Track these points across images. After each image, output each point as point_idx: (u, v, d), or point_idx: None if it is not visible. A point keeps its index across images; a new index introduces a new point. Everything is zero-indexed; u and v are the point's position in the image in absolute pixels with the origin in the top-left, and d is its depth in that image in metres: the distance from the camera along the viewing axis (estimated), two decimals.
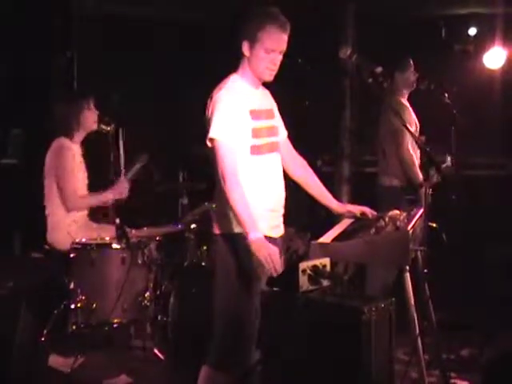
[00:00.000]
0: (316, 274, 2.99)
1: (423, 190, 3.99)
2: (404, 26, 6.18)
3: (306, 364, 2.90)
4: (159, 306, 4.26)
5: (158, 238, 4.33)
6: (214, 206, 3.32)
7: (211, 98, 3.13)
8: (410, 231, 3.21)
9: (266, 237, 3.03)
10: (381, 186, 4.96)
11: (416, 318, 3.29)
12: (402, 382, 3.24)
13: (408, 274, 3.29)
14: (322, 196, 3.47)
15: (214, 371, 3.13)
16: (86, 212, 4.48)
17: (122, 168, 4.45)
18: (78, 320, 4.00)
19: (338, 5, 5.97)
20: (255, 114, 3.15)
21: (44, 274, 4.37)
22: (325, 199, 3.47)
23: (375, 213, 3.49)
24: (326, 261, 3.06)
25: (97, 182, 4.63)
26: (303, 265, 2.97)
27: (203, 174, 3.64)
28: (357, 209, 3.50)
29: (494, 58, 5.74)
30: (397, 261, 3.28)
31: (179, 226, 4.65)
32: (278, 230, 3.27)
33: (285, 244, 3.45)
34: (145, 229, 4.47)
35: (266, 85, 3.29)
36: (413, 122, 4.82)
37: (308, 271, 2.97)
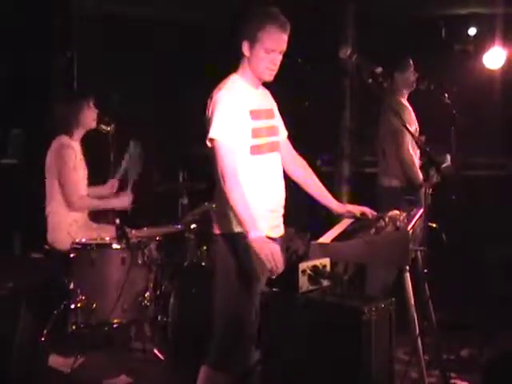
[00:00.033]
0: (316, 274, 2.99)
1: (423, 190, 3.99)
2: (404, 25, 6.18)
3: (306, 364, 2.89)
4: (159, 306, 4.26)
5: (157, 238, 4.33)
6: (213, 206, 3.32)
7: (211, 98, 3.13)
8: (410, 231, 3.21)
9: (265, 237, 3.04)
10: (380, 186, 4.96)
11: (416, 318, 3.29)
12: (402, 382, 3.23)
13: (408, 274, 3.29)
14: (321, 196, 3.47)
15: (213, 371, 3.13)
16: (86, 212, 4.48)
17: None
18: (78, 320, 4.00)
19: (338, 5, 5.97)
20: (255, 114, 3.15)
21: (44, 273, 4.37)
22: (325, 199, 3.48)
23: (375, 213, 3.49)
24: (326, 261, 3.05)
25: (97, 182, 4.64)
26: (303, 265, 2.97)
27: (203, 174, 3.64)
28: (357, 209, 3.50)
29: (493, 58, 5.74)
30: (397, 261, 3.28)
31: (179, 226, 4.65)
32: (278, 230, 3.27)
33: (285, 244, 3.44)
34: (145, 229, 4.47)
35: (265, 85, 3.29)
36: (413, 122, 4.82)
37: (308, 271, 2.97)
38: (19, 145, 5.96)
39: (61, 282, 4.09)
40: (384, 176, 4.94)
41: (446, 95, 4.57)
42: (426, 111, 4.87)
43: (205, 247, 4.58)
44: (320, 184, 3.48)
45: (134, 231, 4.34)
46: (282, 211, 3.30)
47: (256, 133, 3.14)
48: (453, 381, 3.85)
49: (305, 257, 3.32)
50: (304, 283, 2.95)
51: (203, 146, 3.12)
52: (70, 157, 4.30)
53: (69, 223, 4.32)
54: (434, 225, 3.68)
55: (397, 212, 3.43)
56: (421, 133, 4.87)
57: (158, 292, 4.26)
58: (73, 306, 3.99)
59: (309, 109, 5.84)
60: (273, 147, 3.25)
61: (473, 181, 5.65)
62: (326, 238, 3.29)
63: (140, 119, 6.01)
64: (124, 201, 4.44)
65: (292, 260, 3.75)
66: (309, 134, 5.51)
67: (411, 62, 4.92)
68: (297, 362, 2.91)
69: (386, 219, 3.37)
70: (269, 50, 3.09)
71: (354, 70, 5.59)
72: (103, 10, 6.22)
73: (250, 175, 3.12)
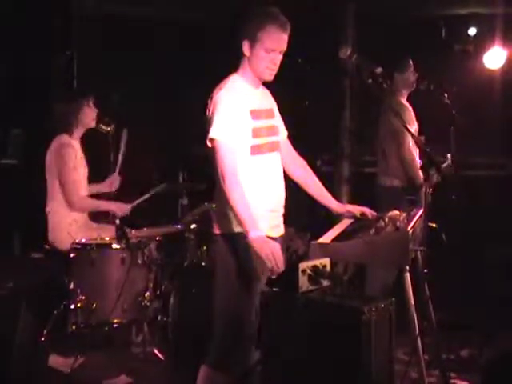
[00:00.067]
0: (316, 274, 2.99)
1: (423, 189, 3.99)
2: (404, 25, 6.18)
3: (306, 364, 2.89)
4: (159, 306, 4.25)
5: (157, 238, 4.33)
6: (213, 206, 3.33)
7: (211, 98, 3.13)
8: (410, 231, 3.21)
9: (266, 236, 3.04)
10: (380, 186, 4.95)
11: (416, 318, 3.29)
12: (402, 382, 3.24)
13: (408, 274, 3.29)
14: (321, 196, 3.48)
15: (213, 371, 3.14)
16: (86, 212, 4.48)
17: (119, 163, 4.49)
18: (78, 320, 4.00)
19: (338, 5, 5.97)
20: (255, 114, 3.15)
21: (44, 273, 4.37)
22: (324, 199, 3.48)
23: (375, 213, 3.49)
24: (326, 261, 3.06)
25: (96, 182, 4.64)
26: (303, 265, 2.97)
27: (203, 174, 3.64)
28: (356, 209, 3.50)
29: (493, 58, 5.74)
30: (397, 261, 3.28)
31: (179, 226, 4.65)
32: (278, 230, 3.27)
33: (285, 244, 3.44)
34: (145, 229, 4.47)
35: (266, 85, 3.30)
36: (413, 122, 4.82)
37: (308, 271, 2.97)
38: (19, 145, 5.96)
39: (61, 282, 4.09)
40: (384, 176, 4.94)
41: (446, 95, 4.57)
42: (426, 111, 4.87)
43: (205, 247, 4.58)
44: (320, 184, 3.48)
45: (133, 231, 4.34)
46: (282, 211, 3.30)
47: (256, 133, 3.14)
48: (453, 381, 3.85)
49: (305, 257, 3.32)
50: (304, 283, 2.95)
51: (203, 146, 3.12)
52: (70, 156, 4.30)
53: (69, 223, 4.32)
54: (434, 225, 3.67)
55: (397, 212, 3.43)
56: (421, 133, 4.87)
57: (158, 292, 4.26)
58: (73, 306, 3.99)
59: (309, 109, 5.84)
60: (273, 147, 3.25)
61: (473, 181, 5.65)
62: (326, 238, 3.29)
63: (140, 119, 6.00)
64: (123, 208, 4.43)
65: (292, 260, 3.75)
66: (309, 134, 5.51)
67: (411, 62, 4.92)
68: (297, 361, 2.91)
69: (386, 219, 3.37)
70: (269, 49, 3.09)
71: (353, 70, 5.59)
72: (103, 9, 6.22)
73: (250, 175, 3.12)
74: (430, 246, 3.33)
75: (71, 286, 4.03)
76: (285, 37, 3.11)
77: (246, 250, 3.01)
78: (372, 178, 5.13)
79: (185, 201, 4.99)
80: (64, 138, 4.37)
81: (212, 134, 3.06)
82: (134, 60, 6.11)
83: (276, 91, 3.37)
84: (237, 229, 3.08)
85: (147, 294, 4.13)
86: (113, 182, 4.65)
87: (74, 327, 4.01)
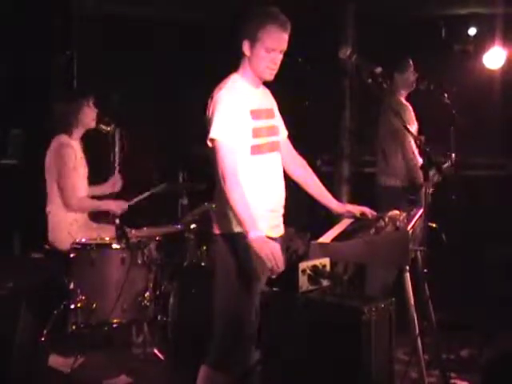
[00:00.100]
0: (316, 274, 2.99)
1: (423, 189, 3.99)
2: (404, 25, 6.17)
3: (306, 364, 2.89)
4: (159, 305, 4.25)
5: (157, 238, 4.33)
6: (213, 206, 3.33)
7: (212, 97, 3.13)
8: (410, 231, 3.21)
9: (265, 236, 3.04)
10: (380, 186, 4.96)
11: (416, 318, 3.29)
12: (402, 382, 3.24)
13: (408, 274, 3.29)
14: (321, 196, 3.47)
15: (213, 371, 3.13)
16: (86, 212, 4.48)
17: (117, 163, 4.51)
18: (78, 320, 4.00)
19: (338, 5, 5.97)
20: (255, 114, 3.15)
21: (44, 273, 4.37)
22: (324, 199, 3.48)
23: (375, 213, 3.49)
24: (326, 261, 3.05)
25: (97, 182, 4.64)
26: (303, 265, 2.97)
27: (203, 174, 3.64)
28: (356, 209, 3.50)
29: (493, 58, 5.73)
30: (397, 261, 3.28)
31: (179, 226, 4.65)
32: (278, 230, 3.27)
33: (285, 244, 3.44)
34: (145, 229, 4.48)
35: (266, 84, 3.29)
36: (413, 121, 4.82)
37: (308, 271, 2.97)
38: (19, 145, 5.96)
39: (61, 282, 4.09)
40: (383, 176, 4.94)
41: (446, 95, 4.57)
42: (426, 111, 4.87)
43: (205, 247, 4.58)
44: (320, 184, 3.48)
45: (133, 231, 4.34)
46: (282, 211, 3.30)
47: (256, 132, 3.14)
48: (453, 381, 3.85)
49: (305, 257, 3.32)
50: (304, 283, 2.95)
51: (203, 146, 3.12)
52: (69, 157, 4.30)
53: (69, 223, 4.32)
54: (434, 225, 3.67)
55: (397, 212, 3.43)
56: (420, 133, 4.86)
57: (158, 292, 4.26)
58: (73, 306, 3.99)
59: (309, 109, 5.84)
60: (273, 147, 3.25)
61: (473, 181, 5.65)
62: (326, 238, 3.29)
63: (140, 119, 6.00)
64: (121, 205, 4.44)
65: (292, 260, 3.75)
66: (309, 134, 5.51)
67: (411, 62, 4.93)
68: (297, 361, 2.91)
69: (386, 219, 3.37)
70: (269, 49, 3.09)
71: (353, 70, 5.58)
72: (103, 9, 6.22)
73: (251, 175, 3.12)
74: (430, 246, 3.33)
75: (71, 285, 4.03)
76: (285, 36, 3.11)
77: (245, 250, 3.01)
78: (372, 178, 5.13)
79: (185, 201, 4.99)
80: (63, 138, 4.36)
81: (212, 134, 3.05)
82: (133, 60, 6.10)
83: (276, 91, 3.37)
84: (237, 229, 3.08)
85: (147, 294, 4.13)
86: (115, 183, 4.64)
87: (74, 327, 4.01)
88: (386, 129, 4.89)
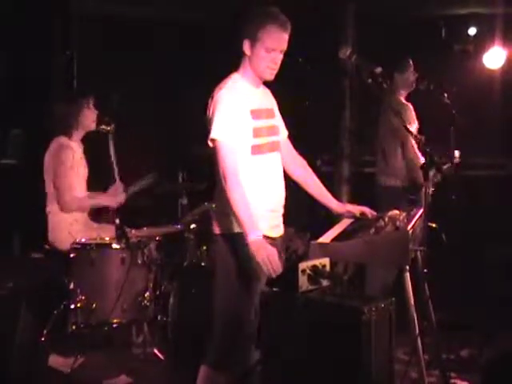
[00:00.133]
0: (316, 273, 2.99)
1: (423, 189, 3.99)
2: (404, 25, 6.18)
3: (306, 364, 2.89)
4: (159, 305, 4.25)
5: (157, 238, 4.33)
6: (213, 206, 3.32)
7: (212, 97, 3.13)
8: (410, 231, 3.21)
9: (265, 236, 3.04)
10: (380, 185, 4.96)
11: (416, 318, 3.29)
12: (402, 382, 3.24)
13: (408, 274, 3.29)
14: (321, 196, 3.47)
15: (212, 371, 3.13)
16: (86, 211, 4.48)
17: (115, 171, 4.48)
18: (78, 320, 4.00)
19: (338, 5, 5.97)
20: (256, 114, 3.15)
21: (44, 273, 4.37)
22: (324, 199, 3.48)
23: (375, 213, 3.49)
24: (326, 261, 3.05)
25: (97, 183, 4.63)
26: (303, 265, 2.97)
27: (203, 174, 3.64)
28: (356, 209, 3.50)
29: (493, 58, 5.74)
30: (397, 261, 3.28)
31: (179, 226, 4.65)
32: (278, 230, 3.27)
33: (285, 244, 3.44)
34: (145, 229, 4.47)
35: (266, 84, 3.29)
36: (414, 120, 4.82)
37: (308, 271, 2.97)
38: (19, 145, 5.96)
39: (61, 282, 4.09)
40: (383, 175, 4.94)
41: (446, 95, 4.57)
42: (426, 111, 4.87)
43: (205, 247, 4.58)
44: (320, 184, 3.48)
45: (133, 231, 4.34)
46: (282, 211, 3.30)
47: (257, 132, 3.14)
48: (453, 381, 3.85)
49: (305, 256, 3.32)
50: (304, 283, 2.95)
51: (203, 146, 3.12)
52: (66, 157, 4.29)
53: (69, 223, 4.32)
54: (434, 225, 3.67)
55: (396, 212, 3.43)
56: (421, 133, 4.86)
57: (158, 292, 4.26)
58: (73, 306, 3.98)
59: (309, 109, 5.84)
60: (273, 147, 3.25)
61: (473, 181, 5.65)
62: (326, 238, 3.29)
63: (140, 119, 6.00)
64: (115, 199, 4.42)
65: (292, 260, 3.75)
66: (309, 134, 5.51)
67: (411, 62, 4.93)
68: (297, 361, 2.91)
69: (386, 219, 3.37)
70: (269, 49, 3.09)
71: (353, 70, 5.58)
72: (103, 10, 6.22)
73: (251, 175, 3.12)
74: (430, 246, 3.33)
75: (71, 285, 4.03)
76: (285, 36, 3.11)
77: (246, 250, 3.00)
78: (372, 178, 5.13)
79: (185, 201, 4.99)
80: (62, 139, 4.36)
81: (213, 134, 3.05)
82: (134, 60, 6.11)
83: (276, 91, 3.37)
84: (237, 229, 3.08)
85: (147, 294, 4.13)
86: (117, 195, 4.56)
87: (74, 327, 4.01)
88: (386, 128, 4.89)
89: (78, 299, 3.98)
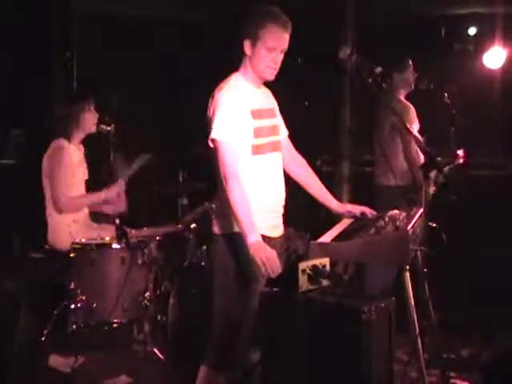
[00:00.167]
0: (316, 273, 2.98)
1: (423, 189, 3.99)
2: (404, 25, 6.18)
3: (306, 364, 2.89)
4: (159, 305, 4.25)
5: (158, 238, 4.33)
6: (213, 206, 3.32)
7: (213, 97, 3.13)
8: (410, 231, 3.21)
9: (265, 236, 3.04)
10: (379, 185, 4.95)
11: (416, 318, 3.29)
12: (402, 382, 3.23)
13: (408, 274, 3.29)
14: (321, 196, 3.47)
15: (212, 371, 3.13)
16: (86, 212, 4.48)
17: (116, 171, 4.48)
18: (78, 320, 4.00)
19: (337, 5, 5.97)
20: (256, 114, 3.15)
21: (44, 273, 4.36)
22: (325, 199, 3.48)
23: (375, 213, 3.49)
24: (326, 261, 3.05)
25: (97, 183, 4.63)
26: (303, 265, 2.97)
27: (203, 174, 3.63)
28: (357, 209, 3.50)
29: (493, 57, 5.73)
30: (397, 261, 3.28)
31: (179, 226, 4.65)
32: (278, 230, 3.27)
33: (284, 244, 3.44)
34: (145, 229, 4.47)
35: (266, 84, 3.29)
36: (415, 121, 4.82)
37: (308, 271, 2.97)
38: (19, 145, 5.96)
39: (61, 282, 4.09)
40: (383, 175, 4.94)
41: (446, 95, 4.57)
42: (426, 111, 4.87)
43: (205, 247, 4.58)
44: (320, 184, 3.48)
45: (133, 231, 4.33)
46: (282, 211, 3.30)
47: (257, 132, 3.14)
48: (453, 381, 3.85)
49: (304, 256, 3.32)
50: (304, 283, 2.95)
51: (203, 145, 3.11)
52: (63, 158, 4.28)
53: (68, 224, 4.32)
54: (434, 225, 3.67)
55: (397, 212, 3.43)
56: (421, 133, 4.86)
57: (158, 292, 4.26)
58: (73, 306, 3.99)
59: (309, 109, 5.83)
60: (274, 147, 3.25)
61: (473, 181, 5.65)
62: (326, 238, 3.29)
63: (140, 119, 6.00)
64: (110, 192, 4.41)
65: (292, 260, 3.75)
66: (309, 134, 5.51)
67: (410, 62, 4.92)
68: (297, 361, 2.91)
69: (386, 219, 3.37)
70: (270, 48, 3.09)
71: (353, 70, 5.57)
72: (103, 10, 6.22)
73: (251, 175, 3.12)
74: (430, 246, 3.33)
75: (71, 285, 4.03)
76: (286, 36, 3.11)
77: (245, 250, 3.00)
78: (372, 178, 5.12)
79: (185, 201, 4.99)
80: (61, 142, 4.35)
81: (213, 134, 3.05)
82: (134, 60, 6.11)
83: (276, 91, 3.37)
84: (237, 229, 3.08)
85: (147, 294, 4.14)
86: (120, 202, 4.54)
87: (74, 327, 4.01)
88: (386, 128, 4.88)
89: (78, 299, 3.99)
